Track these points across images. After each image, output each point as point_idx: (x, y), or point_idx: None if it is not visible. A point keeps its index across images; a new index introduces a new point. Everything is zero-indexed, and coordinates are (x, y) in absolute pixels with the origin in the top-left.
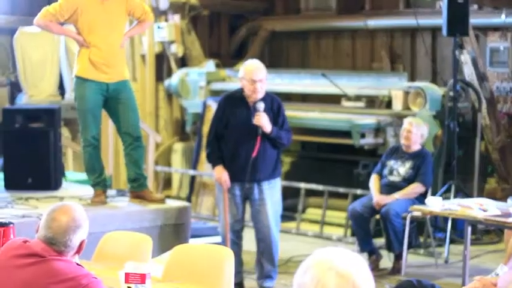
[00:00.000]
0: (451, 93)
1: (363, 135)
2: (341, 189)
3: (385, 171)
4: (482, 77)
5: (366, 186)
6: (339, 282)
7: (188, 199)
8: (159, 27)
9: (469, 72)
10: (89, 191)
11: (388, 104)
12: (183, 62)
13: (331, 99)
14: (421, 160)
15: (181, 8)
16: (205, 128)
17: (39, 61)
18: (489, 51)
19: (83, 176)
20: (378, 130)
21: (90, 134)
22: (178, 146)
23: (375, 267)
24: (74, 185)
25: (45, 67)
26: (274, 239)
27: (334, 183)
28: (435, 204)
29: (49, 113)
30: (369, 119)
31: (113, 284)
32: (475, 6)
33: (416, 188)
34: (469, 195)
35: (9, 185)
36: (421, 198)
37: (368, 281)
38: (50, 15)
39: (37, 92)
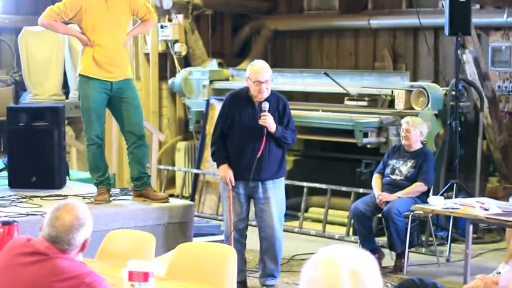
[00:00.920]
0: (453, 93)
1: (365, 134)
2: (344, 188)
3: (387, 171)
4: (484, 76)
5: (368, 185)
6: (349, 278)
7: (191, 198)
8: (162, 27)
9: (471, 71)
10: (92, 189)
11: (391, 103)
12: (186, 61)
13: (334, 98)
14: (423, 159)
15: (184, 7)
16: (209, 127)
17: (43, 60)
18: (491, 50)
19: (87, 174)
20: (381, 129)
21: (94, 133)
22: (182, 145)
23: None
24: (78, 184)
25: (50, 66)
26: (277, 238)
27: (336, 182)
28: (437, 203)
29: (53, 111)
30: (371, 118)
31: (116, 282)
32: (477, 6)
33: (418, 187)
34: (470, 194)
35: (14, 184)
36: (423, 197)
37: (377, 278)
38: (55, 14)
39: (41, 91)
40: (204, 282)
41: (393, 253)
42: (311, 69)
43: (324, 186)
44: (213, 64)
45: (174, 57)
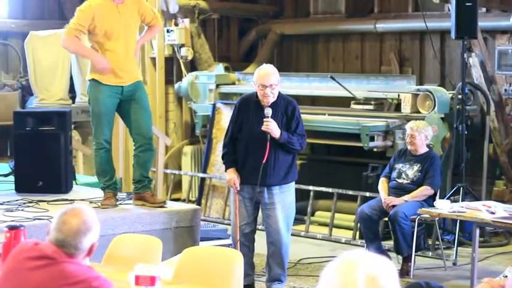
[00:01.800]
0: (460, 96)
1: (372, 138)
2: (350, 192)
3: (394, 174)
4: (490, 80)
5: (374, 189)
6: (366, 283)
7: (198, 202)
8: (168, 31)
9: (477, 75)
10: (99, 193)
11: (397, 107)
12: (192, 65)
13: (340, 102)
14: (429, 163)
15: (191, 11)
16: (215, 131)
17: (49, 65)
18: (497, 54)
19: (93, 179)
20: (387, 133)
21: (103, 137)
22: (188, 149)
23: None
24: (84, 188)
25: (56, 71)
26: (284, 243)
27: (343, 186)
28: (443, 206)
29: (60, 116)
30: (377, 122)
31: (123, 286)
32: (483, 9)
33: (424, 190)
34: (477, 197)
35: (20, 188)
36: (429, 201)
37: (395, 284)
38: (74, 31)
39: (48, 96)
40: (211, 287)
41: (400, 257)
42: (317, 73)
43: (330, 190)
44: (219, 68)
45: (181, 61)
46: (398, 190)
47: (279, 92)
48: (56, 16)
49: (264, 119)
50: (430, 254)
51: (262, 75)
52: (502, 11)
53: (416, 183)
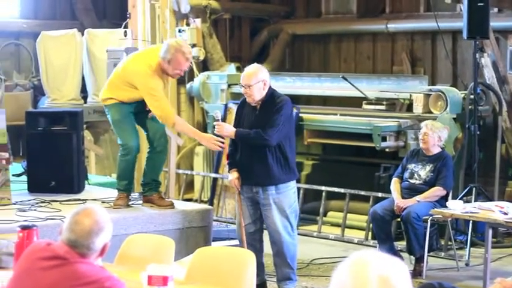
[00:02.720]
0: (472, 96)
1: (384, 138)
2: (362, 192)
3: (406, 175)
4: (502, 80)
5: (387, 189)
6: (378, 284)
7: (210, 202)
8: (180, 31)
9: (489, 75)
10: (111, 193)
11: (409, 107)
12: (204, 66)
13: (352, 102)
14: (442, 163)
15: (202, 11)
16: None
17: (61, 65)
18: (509, 54)
19: (106, 179)
20: (399, 133)
21: (132, 144)
22: (200, 149)
23: None
24: (97, 188)
25: (68, 71)
26: (285, 243)
27: (355, 186)
28: (456, 207)
29: (72, 116)
30: (389, 122)
31: (135, 286)
32: (495, 9)
33: (437, 191)
34: (490, 198)
35: (33, 188)
36: (442, 201)
37: (407, 284)
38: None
39: (60, 96)
40: (223, 287)
41: (412, 257)
42: (329, 73)
43: (342, 190)
44: (231, 68)
45: (192, 61)
46: (411, 190)
47: (273, 90)
48: (68, 16)
49: (214, 123)
50: (442, 254)
51: (242, 75)
52: None
53: (429, 184)
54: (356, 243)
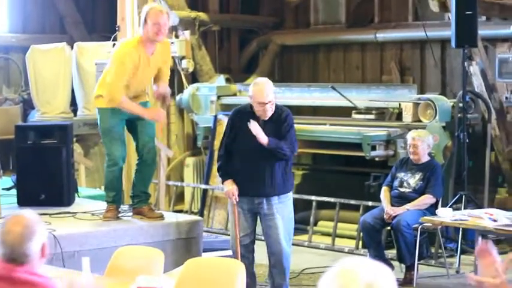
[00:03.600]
0: (461, 105)
1: (373, 147)
2: (352, 201)
3: (396, 183)
4: (491, 88)
5: (377, 198)
6: None
7: (200, 213)
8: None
9: (478, 83)
10: (101, 206)
11: (398, 116)
12: (193, 77)
13: (342, 112)
14: (431, 171)
15: (191, 23)
16: (217, 143)
17: (51, 78)
18: (498, 62)
19: (96, 191)
20: (389, 142)
21: (118, 154)
22: (190, 161)
23: None
24: (87, 201)
25: (57, 84)
26: (285, 254)
27: (345, 196)
28: (446, 215)
29: (61, 129)
30: (379, 131)
31: None
32: (484, 18)
33: (426, 199)
34: (479, 205)
35: (22, 201)
36: (431, 209)
37: None
38: (122, 88)
39: (49, 109)
40: None
41: (403, 265)
42: (318, 84)
43: (332, 199)
44: (220, 80)
45: (182, 73)
46: (401, 199)
47: None
48: (57, 30)
49: (250, 124)
50: (433, 262)
51: (260, 92)
52: (503, 19)
53: (418, 192)
54: (347, 252)
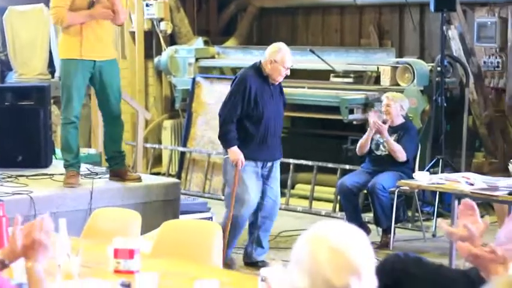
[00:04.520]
0: (439, 69)
1: (351, 111)
2: (330, 165)
3: (372, 146)
4: (469, 52)
5: (354, 162)
6: (331, 257)
7: (178, 176)
8: (148, 5)
9: (456, 47)
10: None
11: (377, 80)
12: (172, 40)
13: (320, 75)
14: (404, 132)
15: None
16: (195, 105)
17: (29, 40)
18: (476, 26)
19: None
20: (366, 105)
21: (73, 113)
22: (168, 123)
23: None
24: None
25: (35, 46)
26: (276, 215)
27: (322, 159)
28: (422, 178)
29: (39, 91)
30: (357, 95)
31: (102, 260)
32: None
33: (400, 151)
34: (456, 169)
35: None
36: (408, 173)
37: (365, 255)
38: (62, 9)
39: (27, 71)
40: (190, 259)
41: (379, 229)
42: (297, 47)
43: (310, 163)
44: (198, 42)
45: (160, 35)
46: (377, 162)
47: None
48: None
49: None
50: (409, 225)
51: (287, 57)
52: None
53: None
54: (324, 215)
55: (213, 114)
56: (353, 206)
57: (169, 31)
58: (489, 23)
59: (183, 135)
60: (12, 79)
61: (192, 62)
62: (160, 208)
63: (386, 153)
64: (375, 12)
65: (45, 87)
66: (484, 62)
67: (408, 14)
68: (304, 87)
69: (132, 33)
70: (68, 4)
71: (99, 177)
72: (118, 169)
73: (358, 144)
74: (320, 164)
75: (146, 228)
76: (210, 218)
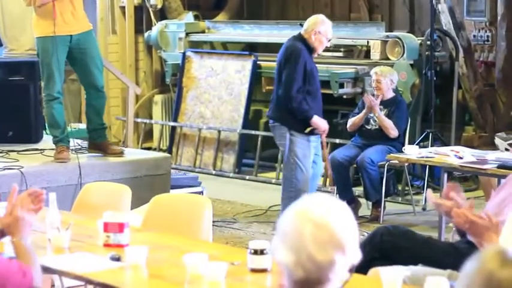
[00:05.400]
0: (429, 42)
1: (341, 85)
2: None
3: (362, 121)
4: (459, 26)
5: (345, 136)
6: (315, 231)
7: (169, 150)
8: None
9: (446, 21)
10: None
11: (367, 54)
12: (162, 14)
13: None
14: (395, 107)
15: None
16: (185, 80)
17: (19, 14)
18: (466, 0)
19: None
20: (356, 79)
21: (55, 89)
22: (159, 98)
23: (353, 215)
24: None
25: (26, 20)
26: None
27: None
28: (412, 152)
29: (29, 66)
30: (347, 69)
31: (92, 234)
32: None
33: (392, 127)
34: (446, 143)
35: None
36: (398, 146)
37: (349, 230)
38: None
39: (17, 46)
40: (180, 233)
41: (369, 203)
42: (287, 21)
43: None
44: (189, 17)
45: (150, 10)
46: (367, 137)
47: None
48: None
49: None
50: (399, 199)
51: (330, 28)
52: None
53: None
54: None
55: (204, 88)
56: (344, 180)
57: (159, 6)
58: None
59: (174, 110)
60: (2, 54)
61: (182, 37)
62: (151, 182)
63: (377, 127)
64: None
65: (35, 62)
66: (474, 36)
67: None
68: None
69: (122, 8)
70: None
71: (83, 151)
72: (101, 142)
73: (351, 122)
74: None
75: (137, 202)
76: (201, 193)
